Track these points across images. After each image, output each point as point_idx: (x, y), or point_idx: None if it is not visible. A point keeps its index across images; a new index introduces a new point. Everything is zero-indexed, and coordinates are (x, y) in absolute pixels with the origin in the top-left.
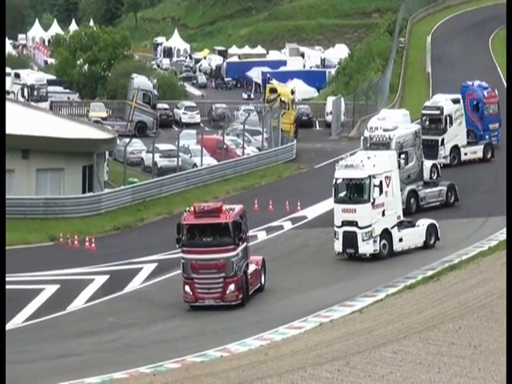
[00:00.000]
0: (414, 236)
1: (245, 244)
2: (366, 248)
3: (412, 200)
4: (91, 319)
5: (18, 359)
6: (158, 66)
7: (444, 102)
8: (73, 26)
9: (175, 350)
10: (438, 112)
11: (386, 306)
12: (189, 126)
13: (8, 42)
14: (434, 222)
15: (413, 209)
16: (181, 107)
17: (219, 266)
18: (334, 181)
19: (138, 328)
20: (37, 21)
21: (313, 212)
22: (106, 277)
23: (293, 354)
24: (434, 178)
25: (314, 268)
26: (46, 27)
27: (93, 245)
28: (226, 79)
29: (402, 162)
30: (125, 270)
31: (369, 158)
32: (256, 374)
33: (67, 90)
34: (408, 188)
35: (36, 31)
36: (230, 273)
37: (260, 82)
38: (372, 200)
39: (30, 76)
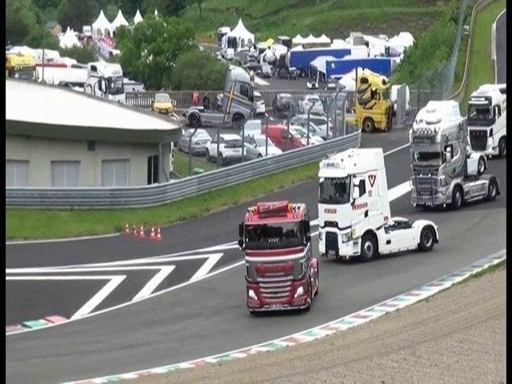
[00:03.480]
0: (404, 238)
1: (309, 244)
2: (345, 250)
3: (457, 194)
4: (157, 309)
5: (85, 349)
6: (223, 56)
7: (492, 91)
8: (137, 18)
9: (241, 339)
10: (486, 102)
11: (452, 294)
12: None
13: (73, 34)
14: (432, 223)
15: (458, 203)
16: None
17: (287, 268)
18: (319, 180)
19: (204, 318)
20: (102, 12)
21: None
22: (172, 267)
23: (359, 344)
24: (482, 170)
25: (378, 257)
26: (110, 19)
27: (158, 235)
28: (290, 69)
29: (448, 155)
30: (190, 261)
31: (350, 156)
32: (322, 363)
33: (132, 81)
34: (453, 182)
35: (101, 23)
36: (298, 275)
37: (324, 71)
38: (352, 200)
39: (107, 68)
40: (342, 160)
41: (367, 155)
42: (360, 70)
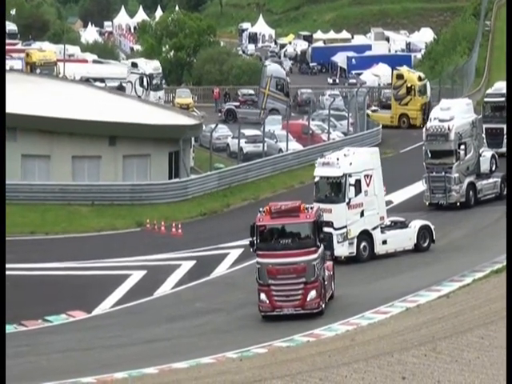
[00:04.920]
0: (401, 238)
1: (323, 246)
2: (340, 250)
3: (471, 193)
4: (178, 304)
5: (106, 344)
6: (244, 51)
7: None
8: (158, 13)
9: (261, 335)
10: (502, 99)
11: (473, 290)
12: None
13: (94, 30)
14: (429, 223)
15: (471, 201)
16: None
17: (299, 270)
18: (314, 179)
19: (225, 313)
20: (123, 8)
21: (399, 197)
22: (193, 262)
23: (379, 339)
24: (494, 169)
25: (399, 253)
26: (131, 14)
27: (179, 230)
28: (311, 64)
29: (462, 153)
30: (211, 256)
31: (345, 155)
32: (342, 359)
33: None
34: (467, 180)
35: (122, 18)
36: (311, 277)
37: (345, 66)
38: (347, 200)
39: (148, 65)
40: (338, 159)
41: (363, 154)
42: (380, 65)
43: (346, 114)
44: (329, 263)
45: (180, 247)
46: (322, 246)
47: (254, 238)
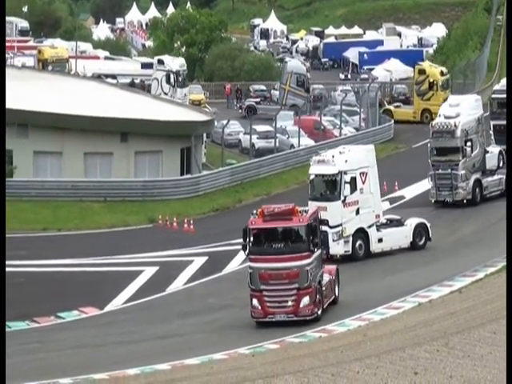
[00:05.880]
0: (397, 236)
1: (319, 251)
2: (336, 249)
3: (477, 190)
4: (190, 300)
5: (118, 340)
6: (255, 47)
7: None
8: (170, 9)
9: (274, 330)
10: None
11: (486, 285)
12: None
13: (106, 26)
14: (425, 221)
15: (478, 199)
16: (278, 88)
17: (292, 275)
18: (309, 177)
19: (237, 309)
20: (134, 4)
21: (411, 192)
22: (205, 258)
23: (391, 335)
24: (501, 165)
25: (412, 248)
26: (143, 11)
27: (191, 226)
28: (322, 60)
29: (468, 150)
30: (223, 252)
31: (341, 152)
32: (354, 354)
33: None
34: (473, 177)
35: (134, 15)
36: (303, 283)
37: (357, 62)
38: (343, 198)
39: (175, 62)
40: (333, 156)
41: (359, 152)
42: (392, 60)
43: (358, 110)
44: (331, 267)
45: (192, 243)
46: (318, 251)
47: (247, 242)
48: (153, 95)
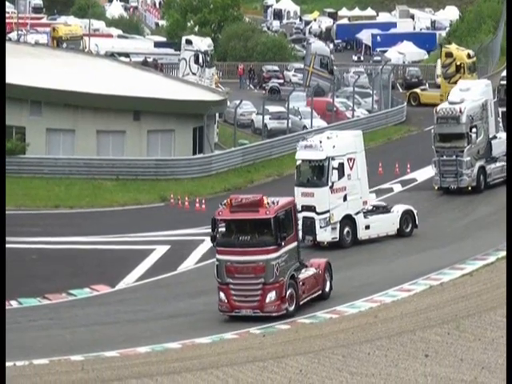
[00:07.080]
0: (384, 223)
1: (294, 244)
2: (323, 235)
3: (481, 177)
4: (202, 280)
5: (129, 318)
6: (268, 28)
7: None
8: None
9: None
10: None
11: (497, 269)
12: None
13: (119, 4)
14: (411, 208)
15: (482, 186)
16: (291, 69)
17: (257, 269)
18: (296, 162)
19: None
20: None
21: (422, 174)
22: None
23: (402, 317)
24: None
25: (424, 230)
26: None
27: (203, 206)
28: (335, 41)
29: (473, 136)
30: None
31: (328, 138)
32: (365, 336)
33: (178, 52)
34: (478, 164)
35: None
36: (269, 278)
37: (370, 44)
38: (330, 184)
39: (203, 42)
40: (321, 142)
41: (346, 137)
42: (405, 43)
43: (371, 92)
44: (320, 261)
45: (203, 223)
46: (293, 244)
47: (215, 233)
48: (166, 75)
